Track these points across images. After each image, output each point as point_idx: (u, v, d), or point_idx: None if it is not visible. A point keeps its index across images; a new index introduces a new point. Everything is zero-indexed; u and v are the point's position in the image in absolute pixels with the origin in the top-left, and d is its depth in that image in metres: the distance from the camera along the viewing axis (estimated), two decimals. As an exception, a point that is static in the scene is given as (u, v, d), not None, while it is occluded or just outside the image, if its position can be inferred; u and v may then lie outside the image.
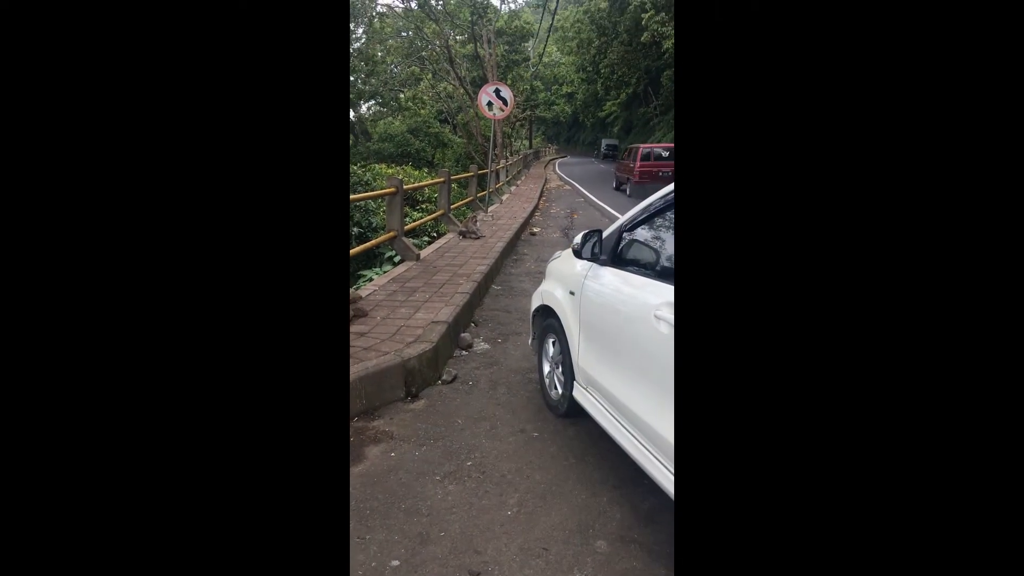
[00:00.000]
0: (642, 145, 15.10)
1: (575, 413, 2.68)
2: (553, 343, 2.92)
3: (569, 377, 2.63)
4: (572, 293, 2.59)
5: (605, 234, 2.43)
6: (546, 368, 3.01)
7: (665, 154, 13.59)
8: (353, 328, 3.66)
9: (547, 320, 2.96)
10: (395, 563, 1.83)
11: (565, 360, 2.68)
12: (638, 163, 13.56)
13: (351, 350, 3.22)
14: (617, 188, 15.73)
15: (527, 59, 27.62)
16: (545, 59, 31.43)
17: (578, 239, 2.52)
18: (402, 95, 20.33)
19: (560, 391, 2.80)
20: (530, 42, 28.59)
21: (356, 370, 2.92)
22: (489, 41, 18.64)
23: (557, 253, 3.27)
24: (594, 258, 2.42)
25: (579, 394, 2.51)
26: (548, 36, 27.93)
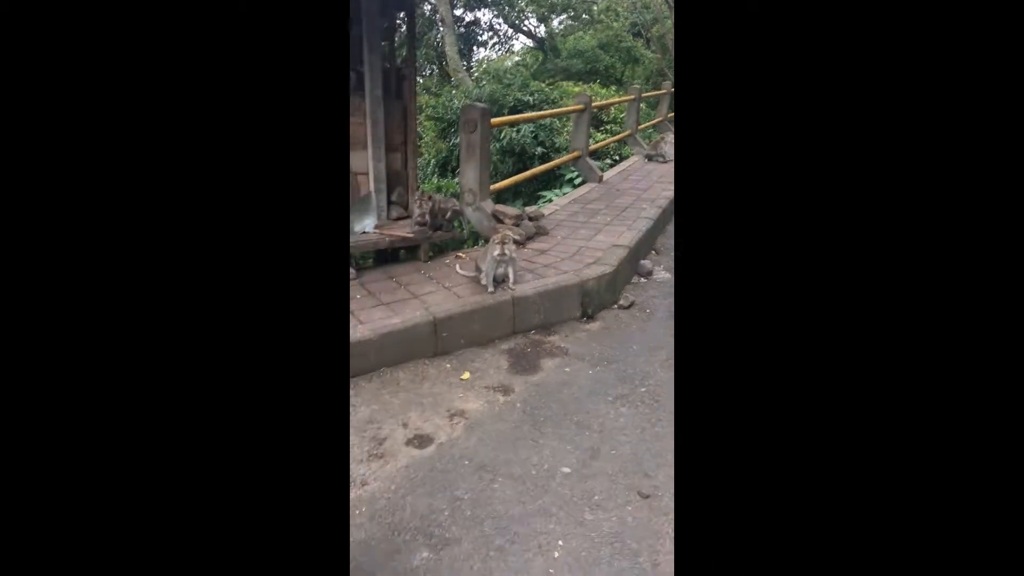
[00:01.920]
0: None
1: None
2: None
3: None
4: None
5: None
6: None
7: None
8: (534, 246, 3.75)
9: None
10: (566, 470, 1.92)
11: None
12: None
13: (532, 266, 3.32)
14: None
15: (740, -44, 24.07)
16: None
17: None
18: (595, 7, 19.23)
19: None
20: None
21: (535, 286, 3.01)
22: (697, -63, 16.52)
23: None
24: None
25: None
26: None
